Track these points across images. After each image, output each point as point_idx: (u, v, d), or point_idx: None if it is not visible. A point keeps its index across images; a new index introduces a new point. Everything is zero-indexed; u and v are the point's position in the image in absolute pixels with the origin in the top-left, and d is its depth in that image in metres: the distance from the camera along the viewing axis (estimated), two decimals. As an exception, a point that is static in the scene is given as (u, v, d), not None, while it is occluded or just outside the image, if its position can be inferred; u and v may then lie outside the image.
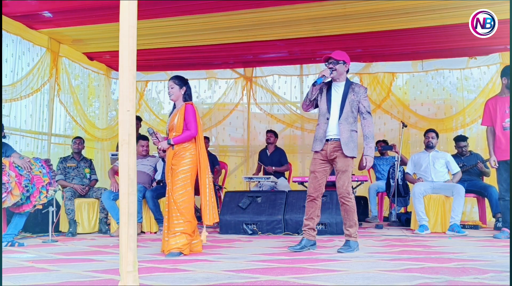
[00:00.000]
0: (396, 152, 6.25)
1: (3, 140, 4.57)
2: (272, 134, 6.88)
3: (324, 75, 3.65)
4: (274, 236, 4.93)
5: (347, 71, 3.82)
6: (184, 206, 3.68)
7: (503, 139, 4.60)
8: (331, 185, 6.28)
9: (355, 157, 3.74)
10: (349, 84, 3.76)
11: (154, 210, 5.37)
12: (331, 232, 4.93)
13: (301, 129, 7.86)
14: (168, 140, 3.76)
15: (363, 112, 3.75)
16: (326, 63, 3.76)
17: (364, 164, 3.75)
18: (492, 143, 4.72)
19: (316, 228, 3.85)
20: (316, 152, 3.77)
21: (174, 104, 3.94)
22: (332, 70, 3.68)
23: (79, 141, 5.84)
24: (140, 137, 5.81)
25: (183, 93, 3.87)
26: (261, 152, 7.07)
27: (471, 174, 5.87)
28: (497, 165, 4.65)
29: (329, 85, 3.79)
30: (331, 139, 3.70)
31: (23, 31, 5.73)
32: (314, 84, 3.70)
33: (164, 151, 3.87)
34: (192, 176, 3.74)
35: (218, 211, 5.88)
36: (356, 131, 3.74)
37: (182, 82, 3.89)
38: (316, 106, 3.84)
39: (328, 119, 3.71)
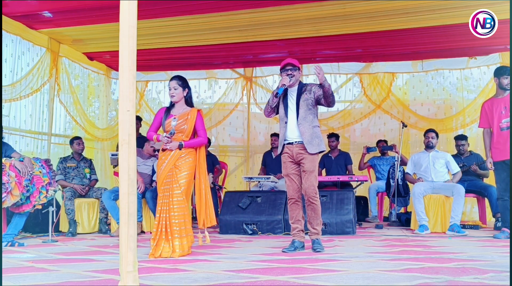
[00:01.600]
0: (396, 152, 6.26)
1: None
2: (277, 137, 6.82)
3: (284, 84, 3.75)
4: (274, 236, 4.93)
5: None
6: (187, 207, 3.73)
7: (500, 139, 4.61)
8: (331, 185, 6.32)
9: (323, 151, 3.88)
10: (301, 86, 3.88)
11: (154, 211, 5.36)
12: (331, 232, 4.93)
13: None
14: (180, 143, 3.76)
15: (319, 94, 3.77)
16: (283, 70, 3.83)
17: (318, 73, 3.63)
18: (489, 145, 4.75)
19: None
20: (283, 155, 3.88)
21: (173, 104, 3.90)
22: (291, 77, 3.79)
23: (81, 142, 5.83)
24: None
25: (185, 95, 3.88)
26: (266, 155, 7.04)
27: (471, 174, 5.87)
28: (493, 167, 4.68)
29: (285, 92, 3.91)
30: (294, 142, 3.81)
31: (23, 31, 5.72)
32: (276, 95, 3.79)
33: (156, 150, 3.88)
34: (192, 179, 3.82)
35: (218, 211, 5.91)
36: (319, 126, 3.87)
37: (185, 83, 3.89)
38: (277, 112, 3.97)
39: (286, 123, 3.84)
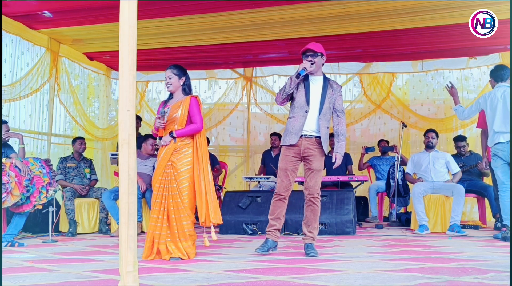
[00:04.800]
0: (397, 153, 6.25)
1: (8, 141, 4.59)
2: (277, 137, 6.84)
3: (305, 68, 3.47)
4: (274, 236, 4.92)
5: (323, 65, 3.69)
6: (190, 206, 3.51)
7: None
8: (331, 185, 6.31)
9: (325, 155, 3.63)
10: (326, 80, 3.62)
11: (154, 210, 5.35)
12: (331, 232, 4.93)
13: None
14: (171, 133, 3.50)
15: (338, 110, 3.61)
16: (304, 56, 3.57)
17: (333, 161, 3.55)
18: (485, 145, 4.78)
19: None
20: (288, 147, 3.56)
21: (171, 95, 3.70)
22: (311, 63, 3.51)
23: (83, 142, 5.83)
24: (149, 136, 5.77)
25: (181, 83, 3.63)
26: (265, 153, 7.05)
27: (471, 174, 5.87)
28: (488, 167, 4.72)
29: (305, 77, 3.58)
30: (306, 135, 3.52)
31: (23, 31, 5.72)
32: (297, 76, 3.48)
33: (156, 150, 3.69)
34: (192, 174, 3.56)
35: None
36: (329, 128, 3.62)
37: (181, 71, 3.66)
38: (290, 99, 3.65)
39: (306, 112, 3.51)
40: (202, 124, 3.58)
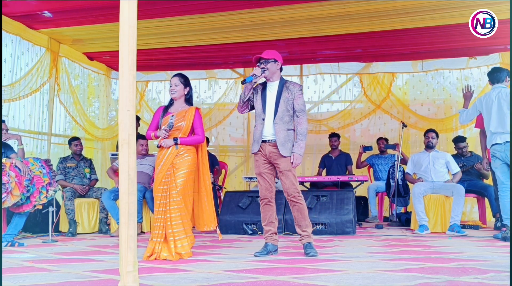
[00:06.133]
0: (398, 151, 6.23)
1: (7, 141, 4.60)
2: None
3: (254, 74, 3.54)
4: (274, 236, 4.92)
5: (281, 70, 3.71)
6: (187, 208, 3.63)
7: None
8: (331, 185, 6.31)
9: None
10: (283, 83, 3.64)
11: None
12: (331, 232, 4.93)
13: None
14: (175, 139, 3.68)
15: (297, 110, 3.60)
16: (258, 64, 3.63)
17: (291, 161, 3.54)
18: (485, 146, 4.80)
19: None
20: (256, 154, 3.65)
21: (172, 101, 3.83)
22: (264, 70, 3.57)
23: (78, 143, 5.83)
24: (139, 137, 5.78)
25: (185, 93, 3.81)
26: None
27: (471, 174, 5.87)
28: (489, 168, 4.73)
29: (264, 85, 3.67)
30: (268, 140, 3.58)
31: (23, 31, 5.72)
32: (243, 82, 3.58)
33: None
34: (193, 178, 3.74)
35: (218, 211, 5.90)
36: (294, 130, 3.61)
37: (187, 81, 3.82)
38: (252, 108, 3.74)
39: (263, 119, 3.59)
40: (204, 136, 3.84)
